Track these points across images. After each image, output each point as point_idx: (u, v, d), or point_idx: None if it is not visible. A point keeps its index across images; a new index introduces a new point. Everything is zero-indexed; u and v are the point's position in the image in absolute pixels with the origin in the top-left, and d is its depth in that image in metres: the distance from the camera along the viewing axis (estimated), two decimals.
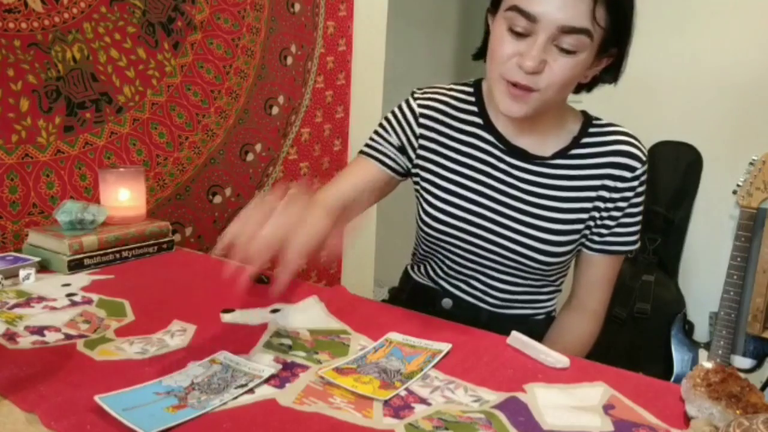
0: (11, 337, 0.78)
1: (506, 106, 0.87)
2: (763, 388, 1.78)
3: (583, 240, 0.99)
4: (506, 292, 1.03)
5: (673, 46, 2.16)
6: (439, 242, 1.02)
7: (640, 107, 2.26)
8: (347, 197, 0.99)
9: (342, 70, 1.94)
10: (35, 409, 0.61)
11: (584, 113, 1.00)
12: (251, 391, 0.67)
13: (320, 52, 1.85)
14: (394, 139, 1.03)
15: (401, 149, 1.03)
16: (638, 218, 0.98)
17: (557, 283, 1.07)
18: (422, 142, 1.02)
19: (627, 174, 0.94)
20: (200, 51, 1.51)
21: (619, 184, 0.95)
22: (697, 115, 2.16)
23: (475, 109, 1.00)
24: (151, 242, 1.19)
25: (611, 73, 0.93)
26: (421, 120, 1.01)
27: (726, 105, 2.10)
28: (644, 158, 0.95)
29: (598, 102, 2.35)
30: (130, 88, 1.38)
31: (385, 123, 1.06)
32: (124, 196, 1.22)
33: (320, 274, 2.03)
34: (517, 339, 0.82)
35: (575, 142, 0.96)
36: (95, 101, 1.31)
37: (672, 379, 1.94)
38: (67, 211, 1.12)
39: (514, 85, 0.85)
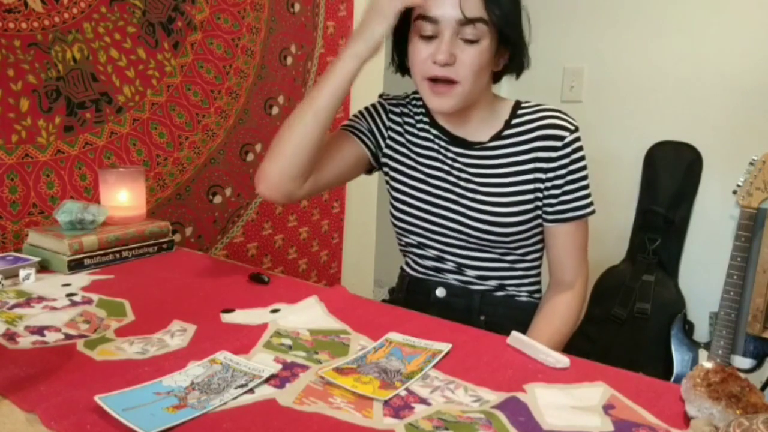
0: (11, 337, 0.78)
1: (433, 103, 0.99)
2: (763, 388, 1.78)
3: (538, 212, 1.05)
4: (480, 269, 1.09)
5: (674, 46, 2.16)
6: (410, 227, 1.11)
7: (640, 107, 2.26)
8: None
9: None
10: (35, 409, 0.61)
11: (516, 101, 1.08)
12: (251, 391, 0.67)
13: (320, 52, 1.85)
14: (364, 123, 1.13)
15: (371, 132, 1.12)
16: (583, 183, 1.04)
17: (529, 258, 1.10)
18: (391, 134, 1.13)
19: (557, 143, 1.01)
20: (200, 51, 1.51)
21: (552, 154, 1.01)
22: (697, 115, 2.16)
23: (423, 110, 1.12)
24: (151, 242, 1.19)
25: (515, 64, 1.03)
26: (391, 116, 1.13)
27: (726, 105, 2.10)
28: (572, 127, 1.02)
29: (598, 102, 2.36)
30: (130, 88, 1.38)
31: (357, 114, 1.15)
32: (124, 196, 1.22)
33: (320, 274, 2.03)
34: (517, 339, 0.82)
35: (506, 125, 1.05)
36: (95, 101, 1.31)
37: (672, 379, 1.94)
38: (67, 211, 1.12)
39: (435, 80, 0.96)
